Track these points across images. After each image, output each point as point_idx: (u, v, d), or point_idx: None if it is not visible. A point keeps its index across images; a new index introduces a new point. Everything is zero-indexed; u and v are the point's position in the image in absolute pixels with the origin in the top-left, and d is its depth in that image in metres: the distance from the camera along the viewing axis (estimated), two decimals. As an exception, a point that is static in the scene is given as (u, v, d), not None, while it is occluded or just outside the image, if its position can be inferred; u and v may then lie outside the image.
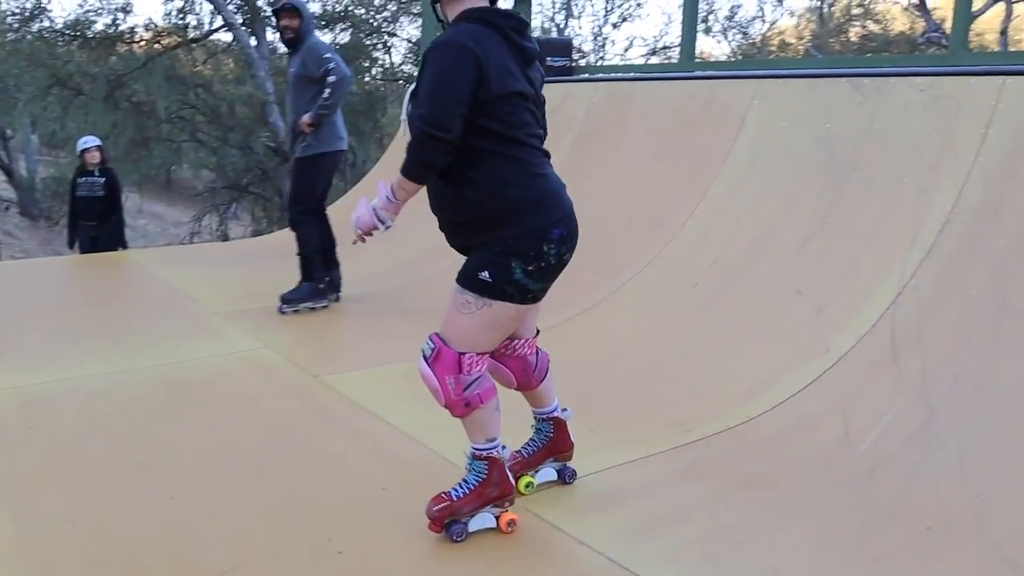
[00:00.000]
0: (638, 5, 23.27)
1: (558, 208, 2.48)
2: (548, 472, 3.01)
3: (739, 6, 24.60)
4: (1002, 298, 3.70)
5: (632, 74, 7.41)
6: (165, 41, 19.79)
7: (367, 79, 20.89)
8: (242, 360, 4.56)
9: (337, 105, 5.41)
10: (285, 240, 8.40)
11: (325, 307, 5.60)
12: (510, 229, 2.41)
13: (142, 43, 20.26)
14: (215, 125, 19.00)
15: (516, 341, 2.78)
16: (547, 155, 2.59)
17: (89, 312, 5.76)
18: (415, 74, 4.17)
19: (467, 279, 2.48)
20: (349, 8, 21.06)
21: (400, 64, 22.07)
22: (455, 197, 2.48)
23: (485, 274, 2.43)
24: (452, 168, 2.42)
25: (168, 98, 18.58)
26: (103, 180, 7.98)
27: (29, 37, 20.05)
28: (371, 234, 2.59)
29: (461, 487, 2.61)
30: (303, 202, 5.58)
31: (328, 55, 5.33)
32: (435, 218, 2.63)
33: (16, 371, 4.27)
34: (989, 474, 3.01)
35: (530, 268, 2.42)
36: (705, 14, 23.37)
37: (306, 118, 5.34)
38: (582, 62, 22.60)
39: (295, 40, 5.44)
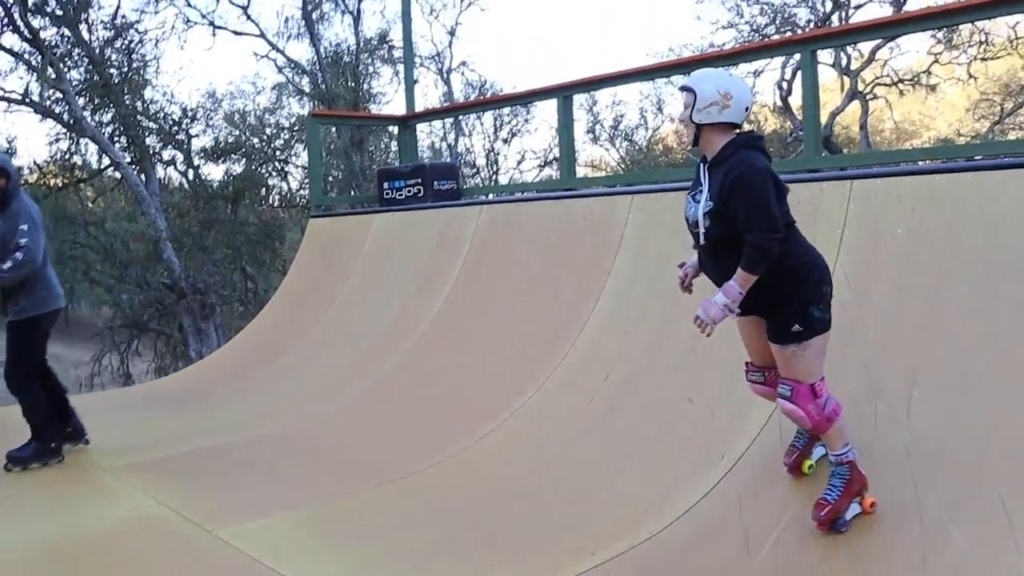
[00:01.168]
0: (526, 121, 24.14)
1: (821, 262, 3.32)
2: (818, 451, 3.70)
3: (623, 115, 25.69)
4: (875, 387, 3.84)
5: (516, 194, 7.63)
6: (52, 182, 19.45)
7: (262, 207, 20.90)
8: (134, 520, 4.32)
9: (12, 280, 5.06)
10: (186, 381, 8.22)
11: (61, 460, 5.40)
12: (803, 284, 3.23)
13: (26, 185, 19.83)
14: (110, 262, 18.58)
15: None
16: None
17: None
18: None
19: (785, 336, 3.26)
20: (243, 139, 21.22)
21: (298, 190, 22.20)
22: (764, 277, 3.18)
23: (796, 326, 3.22)
24: None
25: (59, 239, 18.12)
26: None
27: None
28: (709, 328, 3.29)
29: (833, 490, 3.31)
30: (25, 365, 5.34)
31: (25, 227, 5.01)
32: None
33: None
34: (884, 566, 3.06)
35: (821, 306, 3.25)
36: (592, 124, 24.38)
37: None
38: (476, 179, 23.24)
39: (2, 201, 5.06)
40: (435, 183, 8.53)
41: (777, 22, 20.15)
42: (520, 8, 49.33)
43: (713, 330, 3.30)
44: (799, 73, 11.34)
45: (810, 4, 20.02)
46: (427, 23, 23.87)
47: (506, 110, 22.77)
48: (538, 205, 6.97)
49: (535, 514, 3.98)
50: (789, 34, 18.53)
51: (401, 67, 19.44)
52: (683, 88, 3.31)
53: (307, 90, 21.54)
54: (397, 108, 20.99)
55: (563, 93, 7.95)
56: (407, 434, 5.42)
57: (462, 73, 23.72)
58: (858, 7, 19.54)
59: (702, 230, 3.27)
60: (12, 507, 4.62)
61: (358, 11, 21.02)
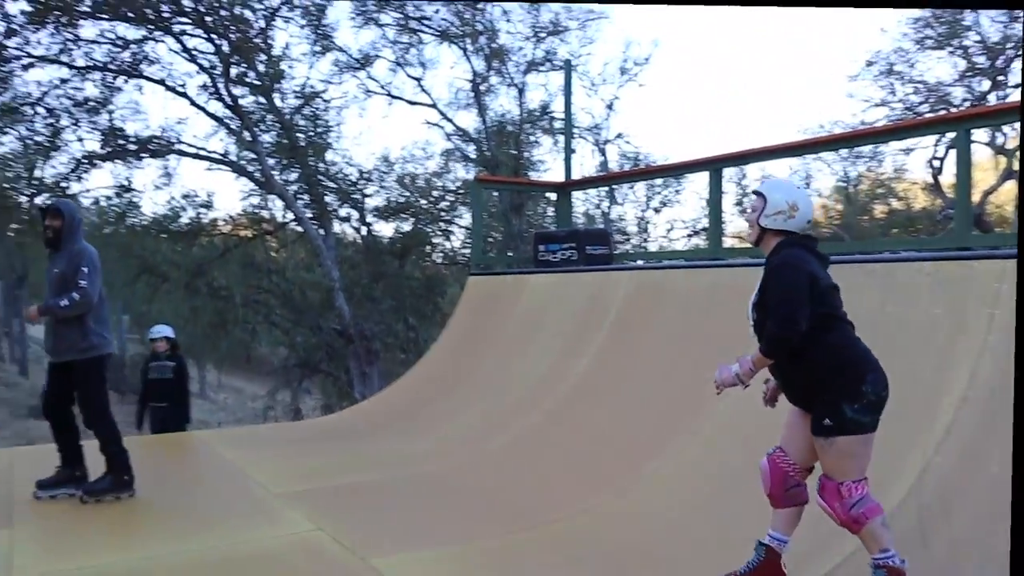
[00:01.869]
0: (677, 192, 24.31)
1: (867, 360, 3.33)
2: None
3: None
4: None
5: (664, 262, 7.83)
6: (242, 232, 21.26)
7: (426, 263, 21.94)
8: (295, 543, 4.76)
9: (65, 315, 5.38)
10: (349, 420, 8.84)
11: (132, 495, 5.63)
12: (837, 379, 3.27)
13: (222, 235, 21.80)
14: (288, 308, 20.01)
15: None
16: (852, 326, 3.45)
17: (152, 492, 6.06)
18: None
19: (817, 428, 3.33)
20: (412, 200, 22.45)
21: (459, 248, 23.17)
22: (798, 366, 3.37)
23: (827, 420, 3.27)
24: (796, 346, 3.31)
25: (244, 284, 19.73)
26: (172, 364, 8.54)
27: (123, 231, 21.79)
28: (727, 386, 3.50)
29: None
30: (97, 400, 5.60)
31: (85, 269, 5.39)
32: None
33: (82, 552, 4.55)
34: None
35: (856, 406, 3.24)
36: (740, 197, 24.19)
37: (33, 309, 5.50)
38: (626, 245, 23.48)
39: (54, 240, 5.51)
40: (588, 248, 8.85)
41: (931, 100, 19.49)
42: (675, 85, 50.07)
43: (722, 391, 3.57)
44: (951, 151, 10.99)
45: (966, 83, 19.26)
46: (587, 96, 24.52)
47: (658, 180, 23.03)
48: (685, 273, 7.16)
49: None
50: (943, 112, 17.88)
51: (561, 137, 20.11)
52: (755, 192, 3.61)
53: (472, 156, 22.59)
54: (555, 175, 21.61)
55: (714, 166, 8.13)
56: (549, 484, 5.65)
57: (618, 144, 24.17)
58: (1017, 86, 18.64)
59: (751, 321, 3.52)
60: (189, 520, 5.18)
61: (523, 85, 21.99)
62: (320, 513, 5.27)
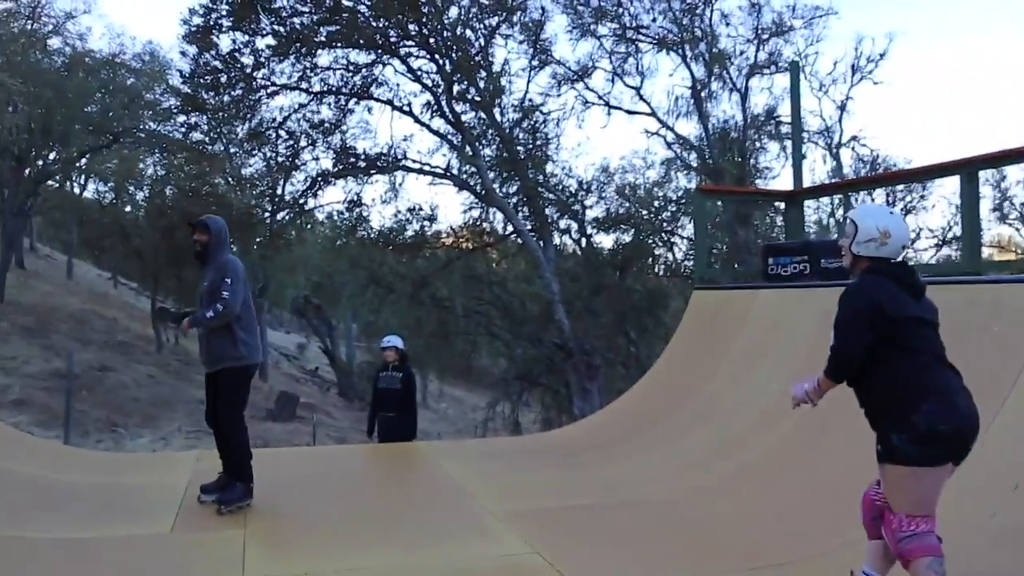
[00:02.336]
0: (922, 197, 22.21)
1: (929, 393, 3.24)
2: None
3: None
4: None
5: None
6: (464, 245, 21.93)
7: (647, 276, 21.57)
8: (511, 566, 4.60)
9: (212, 326, 5.53)
10: (569, 437, 8.70)
11: (249, 504, 5.60)
12: (890, 408, 3.30)
13: (444, 247, 22.63)
14: (508, 319, 20.38)
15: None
16: (938, 359, 3.39)
17: (376, 501, 6.19)
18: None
19: (877, 454, 3.35)
20: (632, 210, 22.19)
21: (682, 260, 22.59)
22: (860, 391, 3.45)
23: (878, 446, 3.33)
24: (860, 371, 3.38)
25: (465, 296, 20.32)
26: (400, 375, 8.76)
27: (352, 243, 23.19)
28: (801, 404, 3.61)
29: None
30: (236, 408, 5.69)
31: (229, 280, 5.50)
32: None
33: (309, 556, 4.65)
34: None
35: (905, 437, 3.21)
36: (999, 201, 21.75)
37: (185, 322, 5.62)
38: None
39: (202, 254, 5.67)
40: (822, 261, 8.15)
41: None
42: (917, 80, 45.98)
43: (795, 405, 3.68)
44: None
45: None
46: (816, 98, 23.16)
47: (900, 186, 21.16)
48: (935, 289, 6.33)
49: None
50: None
51: (788, 143, 19.08)
52: (847, 218, 3.66)
53: (694, 165, 21.99)
54: (783, 183, 20.53)
55: (968, 169, 7.13)
56: (793, 514, 5.17)
57: (852, 148, 22.61)
58: None
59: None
60: (410, 534, 5.16)
61: (746, 89, 21.13)
62: (538, 536, 5.08)
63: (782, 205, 11.71)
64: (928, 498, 3.28)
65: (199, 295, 5.76)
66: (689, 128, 25.16)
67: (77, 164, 29.13)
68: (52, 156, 27.09)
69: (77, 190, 36.47)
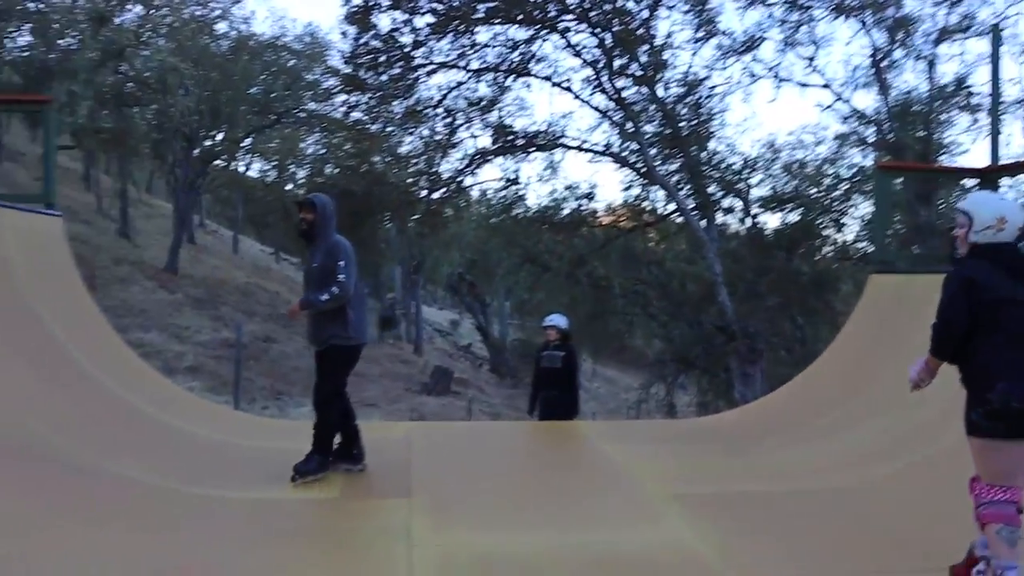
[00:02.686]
0: None
1: (1006, 371, 3.44)
2: None
3: None
4: None
5: None
6: (623, 224, 21.63)
7: (816, 258, 20.60)
8: (675, 551, 4.47)
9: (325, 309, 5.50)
10: (731, 422, 8.41)
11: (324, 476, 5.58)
12: (970, 385, 3.56)
13: (602, 226, 22.41)
14: (666, 300, 20.00)
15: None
16: (1014, 338, 3.50)
17: (537, 479, 6.18)
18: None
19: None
20: (800, 189, 21.23)
21: (853, 242, 21.43)
22: (959, 369, 3.62)
23: (964, 421, 3.56)
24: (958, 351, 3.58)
25: (623, 275, 20.07)
26: (562, 354, 8.71)
27: (508, 221, 23.37)
28: (918, 387, 3.79)
29: None
30: (331, 386, 5.67)
31: (343, 263, 5.48)
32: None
33: (473, 529, 4.68)
34: None
35: (979, 411, 3.48)
36: None
37: (295, 305, 5.65)
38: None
39: (308, 233, 5.63)
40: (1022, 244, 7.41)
41: None
42: None
43: (912, 388, 3.81)
44: None
45: None
46: (1016, 65, 21.22)
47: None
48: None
49: None
50: None
51: (981, 115, 17.63)
52: (959, 210, 3.72)
53: (870, 140, 20.69)
54: (974, 159, 19.00)
55: None
56: (967, 519, 4.75)
57: (1057, 119, 20.59)
58: None
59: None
60: (571, 512, 5.11)
61: (933, 57, 19.62)
62: (702, 521, 4.92)
63: (972, 183, 10.80)
64: (1007, 470, 3.50)
65: (307, 275, 5.78)
66: (867, 101, 23.71)
67: (242, 144, 30.69)
68: (219, 137, 28.69)
69: (242, 169, 38.65)
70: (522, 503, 5.35)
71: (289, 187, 33.64)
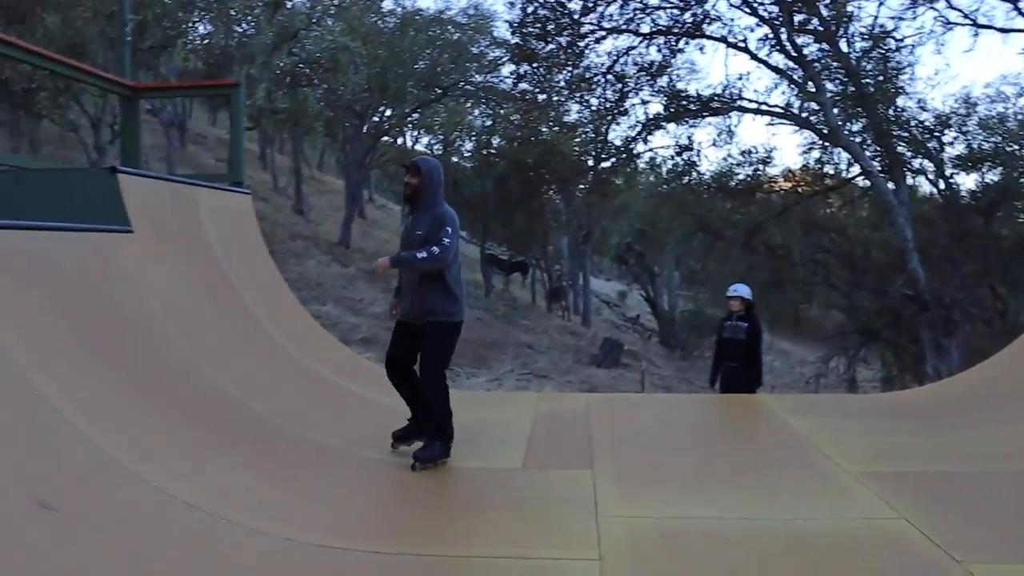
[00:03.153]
0: None
1: None
2: None
3: None
4: None
5: None
6: (802, 189, 20.68)
7: (1021, 220, 18.95)
8: (873, 529, 4.24)
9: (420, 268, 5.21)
10: (925, 397, 7.89)
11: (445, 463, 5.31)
12: None
13: (780, 192, 21.51)
14: (848, 269, 19.01)
15: None
16: None
17: (721, 452, 6.03)
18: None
19: None
20: (1000, 146, 19.53)
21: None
22: None
23: None
24: None
25: (803, 243, 19.23)
26: (745, 325, 8.46)
27: (680, 188, 22.86)
28: None
29: None
30: (441, 365, 5.38)
31: (449, 229, 5.22)
32: None
33: (659, 502, 4.63)
34: None
35: None
36: None
37: (384, 261, 5.31)
38: None
39: (412, 197, 5.38)
40: None
41: None
42: None
43: None
44: None
45: None
46: None
47: None
48: None
49: None
50: None
51: None
52: None
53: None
54: None
55: None
56: None
57: None
58: None
59: None
60: (758, 487, 4.96)
61: None
62: (901, 500, 4.62)
63: None
64: None
65: (406, 240, 5.48)
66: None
67: (409, 119, 31.52)
68: (387, 113, 29.59)
69: (409, 143, 39.77)
70: (707, 476, 5.24)
71: (455, 160, 34.39)
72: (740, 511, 4.47)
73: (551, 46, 20.36)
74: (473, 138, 33.12)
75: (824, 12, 18.32)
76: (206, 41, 24.27)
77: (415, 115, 31.15)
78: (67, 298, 4.80)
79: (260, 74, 21.02)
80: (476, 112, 32.37)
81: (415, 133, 38.16)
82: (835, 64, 19.13)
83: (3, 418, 3.56)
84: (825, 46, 18.93)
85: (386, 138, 32.95)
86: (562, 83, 21.77)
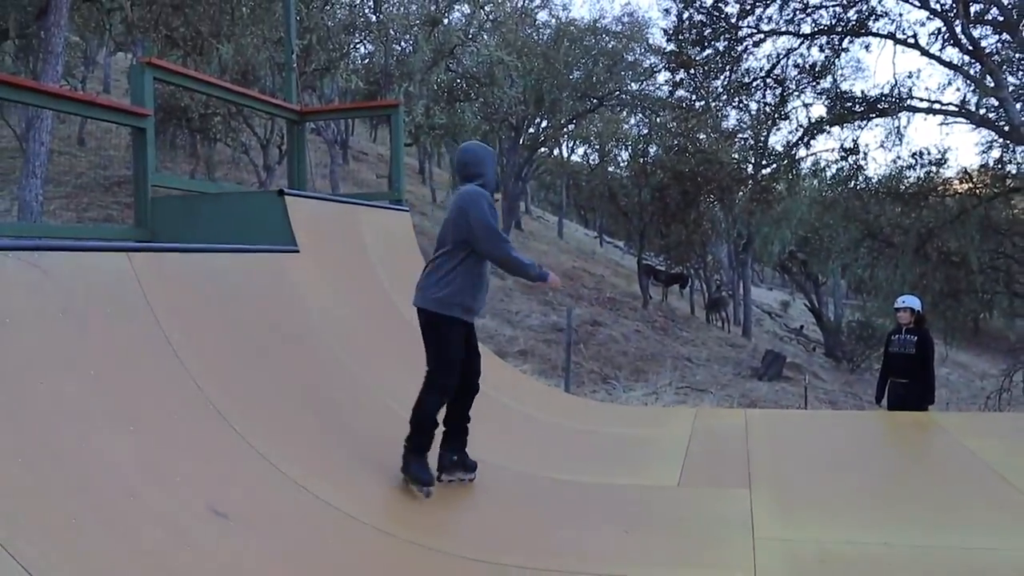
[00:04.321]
0: None
1: None
2: None
3: None
4: None
5: None
6: (981, 191, 19.30)
7: None
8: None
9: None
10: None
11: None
12: None
13: (955, 195, 20.19)
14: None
15: None
16: None
17: (888, 474, 5.75)
18: None
19: None
20: None
21: None
22: None
23: None
24: None
25: (981, 249, 17.97)
26: (915, 339, 8.03)
27: (846, 194, 21.83)
28: None
29: None
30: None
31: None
32: None
33: (819, 525, 4.45)
34: None
35: None
36: None
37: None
38: None
39: None
40: None
41: None
42: None
43: None
44: None
45: None
46: None
47: None
48: None
49: None
50: None
51: None
52: None
53: None
54: None
55: None
56: None
57: None
58: None
59: None
60: (929, 513, 4.69)
61: None
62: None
63: None
64: None
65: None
66: None
67: (564, 130, 31.64)
68: (543, 124, 29.79)
69: (565, 154, 39.82)
70: (873, 500, 5.00)
71: (612, 169, 34.25)
72: (910, 539, 4.24)
73: (708, 51, 20.00)
74: (629, 147, 32.94)
75: (1004, 0, 17.07)
76: (367, 61, 25.37)
77: (571, 126, 31.31)
78: (242, 317, 5.16)
79: (418, 91, 21.74)
80: (632, 121, 32.23)
81: (571, 144, 38.40)
82: (1018, 56, 17.79)
83: (188, 436, 3.89)
84: (1007, 37, 17.63)
85: (543, 149, 33.28)
86: (720, 89, 21.32)
